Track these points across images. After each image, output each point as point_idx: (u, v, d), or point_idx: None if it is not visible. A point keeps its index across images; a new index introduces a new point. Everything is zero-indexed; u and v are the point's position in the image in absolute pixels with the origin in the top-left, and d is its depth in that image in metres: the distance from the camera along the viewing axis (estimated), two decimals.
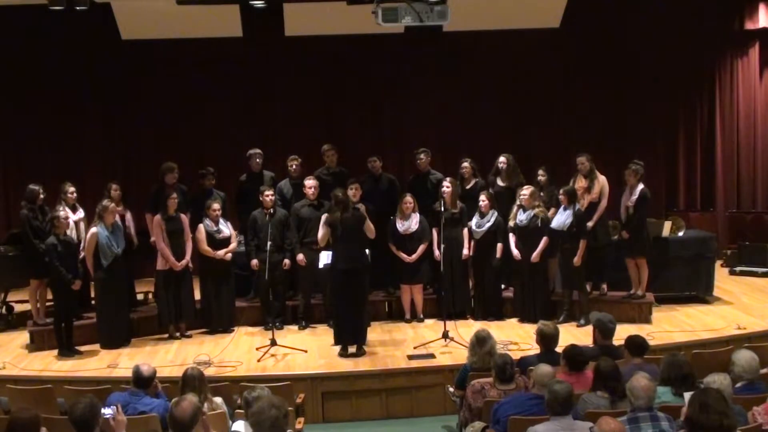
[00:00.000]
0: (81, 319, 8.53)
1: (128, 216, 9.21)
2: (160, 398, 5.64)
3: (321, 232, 8.14)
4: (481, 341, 6.18)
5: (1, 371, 7.64)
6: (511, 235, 9.00)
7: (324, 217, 8.18)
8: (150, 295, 9.75)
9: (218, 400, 5.64)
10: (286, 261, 8.92)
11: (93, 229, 8.28)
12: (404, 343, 8.36)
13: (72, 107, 11.86)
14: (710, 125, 12.86)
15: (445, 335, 8.14)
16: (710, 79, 12.84)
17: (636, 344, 5.98)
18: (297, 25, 11.25)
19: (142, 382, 5.56)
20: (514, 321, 9.04)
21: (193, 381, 5.48)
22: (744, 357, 5.41)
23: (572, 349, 5.83)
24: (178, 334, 8.79)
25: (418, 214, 9.05)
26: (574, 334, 8.13)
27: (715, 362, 6.29)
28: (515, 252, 8.94)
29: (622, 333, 6.84)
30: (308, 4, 10.78)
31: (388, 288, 9.58)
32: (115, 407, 4.81)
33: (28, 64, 11.45)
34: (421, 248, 9.01)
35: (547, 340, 6.37)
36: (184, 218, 8.80)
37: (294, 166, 9.57)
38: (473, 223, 9.07)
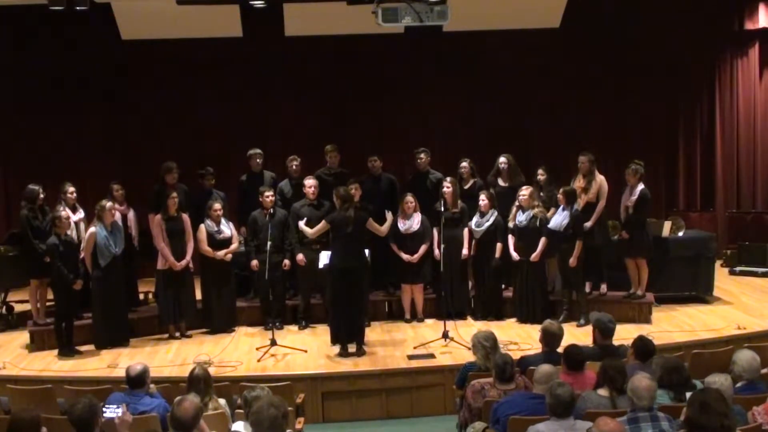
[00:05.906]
0: (81, 319, 8.53)
1: (131, 215, 9.21)
2: (156, 399, 5.64)
3: (318, 226, 8.14)
4: (495, 345, 6.11)
5: (1, 371, 7.64)
6: (510, 236, 9.01)
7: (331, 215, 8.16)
8: (150, 295, 9.75)
9: (222, 401, 5.64)
10: (286, 261, 8.92)
11: (91, 229, 8.29)
12: (404, 343, 8.36)
13: (72, 107, 11.86)
14: (710, 125, 12.86)
15: (445, 335, 8.14)
16: (710, 79, 12.84)
17: (645, 350, 5.86)
18: (297, 25, 11.25)
19: (131, 381, 5.56)
20: (514, 321, 9.04)
21: (198, 382, 5.48)
22: (745, 357, 5.40)
23: (572, 349, 5.82)
24: (178, 334, 8.79)
25: (419, 214, 9.05)
26: (574, 334, 8.11)
27: (715, 362, 6.28)
28: (513, 254, 8.95)
29: (622, 333, 6.85)
30: (308, 4, 10.76)
31: (388, 288, 9.58)
32: (122, 406, 4.84)
33: (29, 64, 11.45)
34: (423, 248, 9.01)
35: (550, 338, 6.33)
36: (186, 218, 8.79)
37: (294, 166, 9.57)
38: (473, 222, 9.07)
